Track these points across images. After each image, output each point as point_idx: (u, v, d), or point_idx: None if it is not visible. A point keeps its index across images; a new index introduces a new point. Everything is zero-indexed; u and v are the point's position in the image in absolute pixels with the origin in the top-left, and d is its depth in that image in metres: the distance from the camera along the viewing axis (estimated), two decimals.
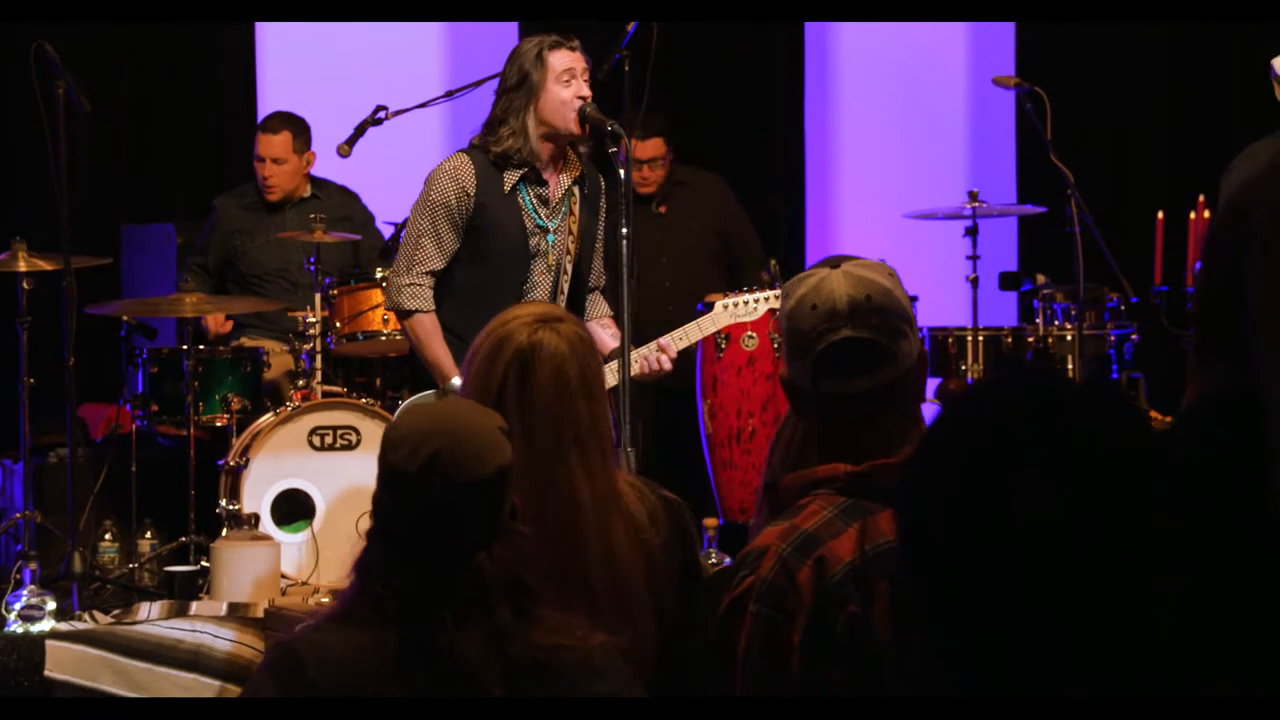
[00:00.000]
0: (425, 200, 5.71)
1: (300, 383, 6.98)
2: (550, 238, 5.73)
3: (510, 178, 5.67)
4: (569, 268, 5.79)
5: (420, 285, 5.70)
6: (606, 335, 5.78)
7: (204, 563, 6.56)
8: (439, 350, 5.68)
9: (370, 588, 2.70)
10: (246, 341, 7.59)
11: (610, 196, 5.75)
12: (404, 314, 5.75)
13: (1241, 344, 2.16)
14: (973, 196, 7.99)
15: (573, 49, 5.65)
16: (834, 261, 2.73)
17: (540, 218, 5.72)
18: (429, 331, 5.70)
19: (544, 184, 5.72)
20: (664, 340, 5.78)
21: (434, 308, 5.72)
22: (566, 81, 5.60)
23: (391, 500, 2.74)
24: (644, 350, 5.74)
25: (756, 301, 6.00)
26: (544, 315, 3.30)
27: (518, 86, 5.64)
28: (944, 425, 1.80)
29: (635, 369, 5.59)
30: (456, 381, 5.59)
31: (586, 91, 5.63)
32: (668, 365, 5.77)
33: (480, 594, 2.66)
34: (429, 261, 5.70)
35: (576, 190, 5.79)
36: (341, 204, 7.96)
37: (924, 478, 1.77)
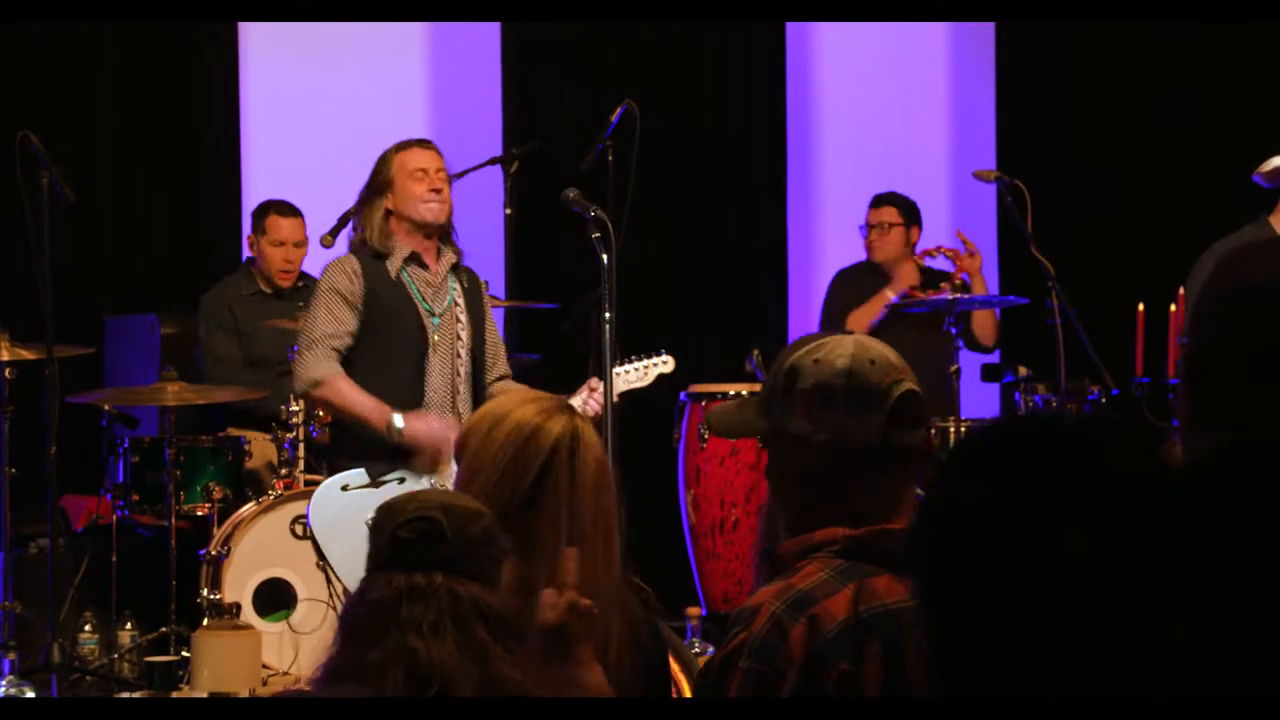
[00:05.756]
0: (316, 291, 5.91)
1: (283, 471, 6.95)
2: (435, 320, 5.89)
3: (393, 265, 5.88)
4: (463, 353, 5.93)
5: (322, 352, 5.79)
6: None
7: (184, 653, 6.52)
8: (363, 400, 5.75)
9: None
10: (233, 430, 7.55)
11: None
12: (314, 384, 5.81)
13: (1235, 405, 2.16)
14: (955, 287, 8.01)
15: (425, 148, 5.98)
16: (838, 333, 2.80)
17: (426, 301, 5.91)
18: (346, 389, 5.77)
19: (425, 268, 5.94)
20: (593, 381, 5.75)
21: (342, 370, 5.78)
22: (419, 178, 5.88)
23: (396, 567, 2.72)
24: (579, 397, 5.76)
25: (645, 368, 6.05)
26: (561, 403, 3.27)
27: (371, 184, 5.94)
28: (954, 475, 1.74)
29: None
30: (398, 418, 5.65)
31: (440, 187, 5.89)
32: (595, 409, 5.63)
33: (456, 608, 2.65)
34: (327, 334, 5.80)
35: (456, 280, 5.99)
36: None
37: (939, 533, 1.71)
